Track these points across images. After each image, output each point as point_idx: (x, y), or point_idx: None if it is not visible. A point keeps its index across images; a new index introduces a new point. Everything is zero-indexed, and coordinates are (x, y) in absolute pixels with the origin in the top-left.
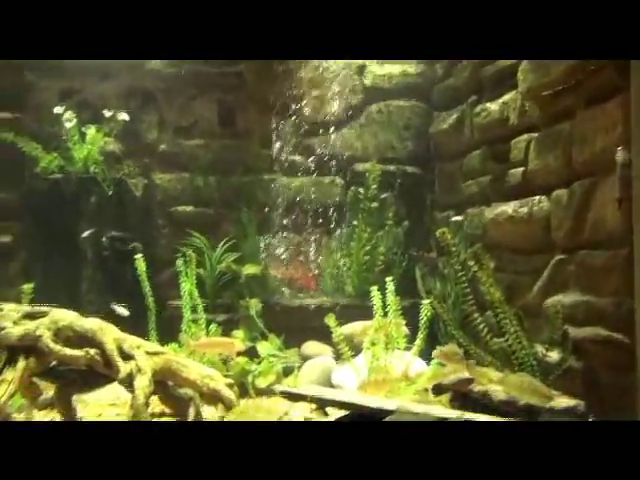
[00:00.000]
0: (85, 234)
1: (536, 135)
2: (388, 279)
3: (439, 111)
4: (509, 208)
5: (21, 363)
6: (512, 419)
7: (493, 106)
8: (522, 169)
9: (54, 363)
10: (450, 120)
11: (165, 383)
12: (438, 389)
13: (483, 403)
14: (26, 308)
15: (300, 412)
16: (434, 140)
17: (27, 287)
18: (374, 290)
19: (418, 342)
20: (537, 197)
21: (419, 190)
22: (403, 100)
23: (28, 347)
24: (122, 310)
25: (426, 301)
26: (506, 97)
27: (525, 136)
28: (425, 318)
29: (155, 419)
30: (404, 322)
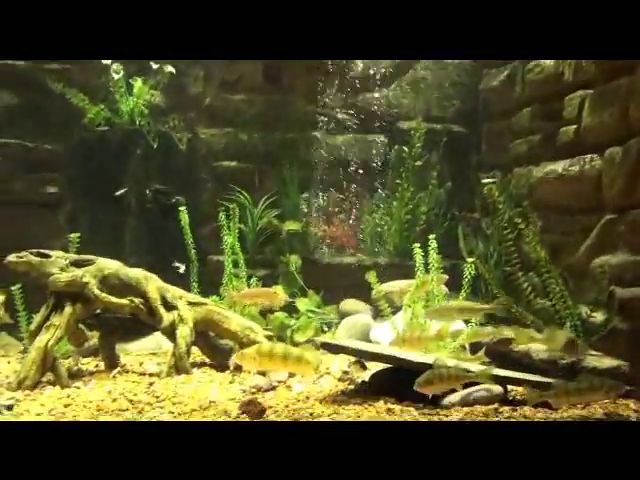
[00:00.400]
0: (118, 193)
1: (591, 91)
2: (431, 236)
3: (489, 68)
4: (559, 167)
5: (68, 309)
6: (551, 379)
7: (548, 61)
8: (575, 127)
9: (99, 310)
10: (501, 77)
11: (206, 333)
12: (476, 348)
13: (524, 363)
14: (73, 256)
15: (338, 365)
16: (483, 98)
17: (74, 236)
18: (416, 247)
19: (460, 300)
20: (589, 155)
21: (464, 149)
22: None
23: (75, 294)
24: (179, 265)
25: (470, 259)
26: None
27: (580, 92)
28: (468, 276)
29: (195, 369)
30: (446, 277)
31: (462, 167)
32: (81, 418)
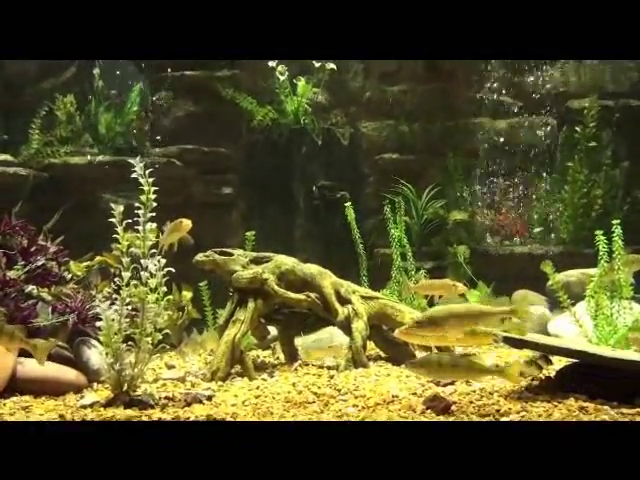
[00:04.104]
0: None
1: None
2: (615, 221)
3: None
4: None
5: (251, 304)
6: None
7: None
8: None
9: (277, 306)
10: None
11: (380, 327)
12: None
13: None
14: (252, 253)
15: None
16: None
17: (250, 234)
18: (599, 234)
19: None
20: None
21: None
22: None
23: (256, 290)
24: None
25: None
26: None
27: None
28: None
29: (372, 362)
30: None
31: None
32: (273, 409)
